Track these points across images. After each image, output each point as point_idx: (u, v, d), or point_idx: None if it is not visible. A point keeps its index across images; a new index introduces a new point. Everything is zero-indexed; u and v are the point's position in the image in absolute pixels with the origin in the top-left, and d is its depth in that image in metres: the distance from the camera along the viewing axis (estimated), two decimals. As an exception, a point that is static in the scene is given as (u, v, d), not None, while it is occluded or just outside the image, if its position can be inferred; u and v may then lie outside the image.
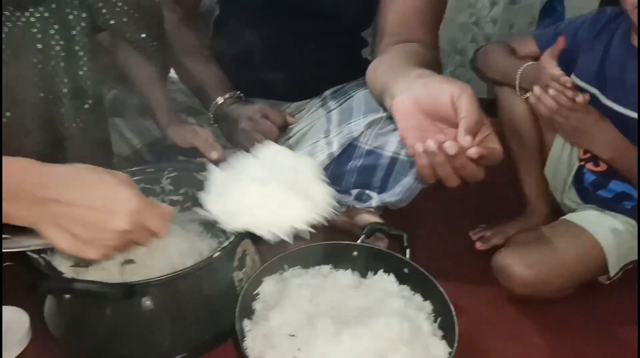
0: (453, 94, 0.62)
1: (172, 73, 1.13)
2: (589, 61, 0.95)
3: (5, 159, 0.50)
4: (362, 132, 0.93)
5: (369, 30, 1.10)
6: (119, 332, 0.67)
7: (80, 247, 0.51)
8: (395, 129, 0.92)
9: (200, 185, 0.84)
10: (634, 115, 0.86)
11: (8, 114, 0.75)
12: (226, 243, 0.70)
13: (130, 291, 0.60)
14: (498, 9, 1.58)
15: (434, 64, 0.88)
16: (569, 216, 0.96)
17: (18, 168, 0.50)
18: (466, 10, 1.60)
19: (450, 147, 0.59)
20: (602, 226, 0.90)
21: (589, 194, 0.99)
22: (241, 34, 1.06)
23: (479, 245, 1.05)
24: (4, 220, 0.49)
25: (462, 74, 1.71)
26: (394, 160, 0.91)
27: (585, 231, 0.89)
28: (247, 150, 0.98)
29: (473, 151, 0.59)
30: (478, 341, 0.78)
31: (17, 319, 0.77)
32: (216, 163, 0.92)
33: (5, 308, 0.78)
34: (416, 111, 0.65)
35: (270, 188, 0.64)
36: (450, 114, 0.62)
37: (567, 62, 0.93)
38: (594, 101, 0.90)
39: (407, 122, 0.66)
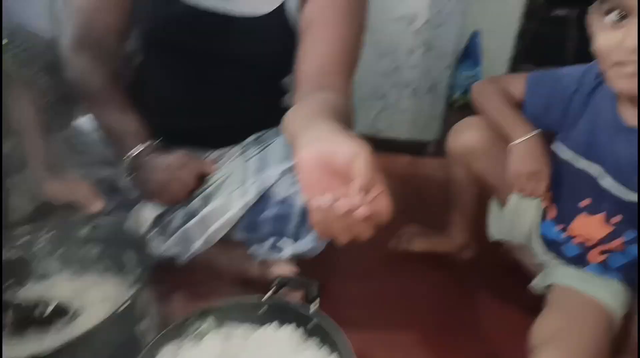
0: (350, 153, 0.64)
1: (85, 121, 1.11)
2: (578, 129, 0.89)
3: None
4: (277, 181, 0.95)
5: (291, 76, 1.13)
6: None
7: None
8: None
9: (79, 243, 0.83)
10: (632, 198, 0.82)
11: None
12: (129, 295, 0.69)
13: None
14: (416, 56, 1.66)
15: (347, 111, 0.91)
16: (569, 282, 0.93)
17: None
18: (386, 58, 1.69)
19: (340, 205, 0.61)
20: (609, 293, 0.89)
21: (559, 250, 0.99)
22: (162, 80, 1.06)
23: (390, 244, 1.14)
24: None
25: (383, 118, 1.79)
26: (306, 209, 0.93)
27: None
28: (163, 202, 0.98)
29: (361, 211, 0.61)
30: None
31: None
32: (97, 215, 0.90)
33: None
34: (317, 166, 0.66)
35: None
36: (346, 172, 0.64)
37: (555, 120, 0.91)
38: (589, 179, 0.87)
39: (308, 177, 0.67)
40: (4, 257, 0.80)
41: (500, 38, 2.24)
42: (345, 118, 0.82)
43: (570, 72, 0.90)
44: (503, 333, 0.97)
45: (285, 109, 1.14)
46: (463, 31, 1.99)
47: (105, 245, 0.83)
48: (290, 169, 0.95)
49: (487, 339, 0.95)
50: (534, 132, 0.90)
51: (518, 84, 0.96)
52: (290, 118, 0.88)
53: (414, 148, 1.80)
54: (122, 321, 0.68)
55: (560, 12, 2.52)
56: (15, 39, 0.85)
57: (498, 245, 1.15)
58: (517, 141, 0.90)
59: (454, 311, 1.03)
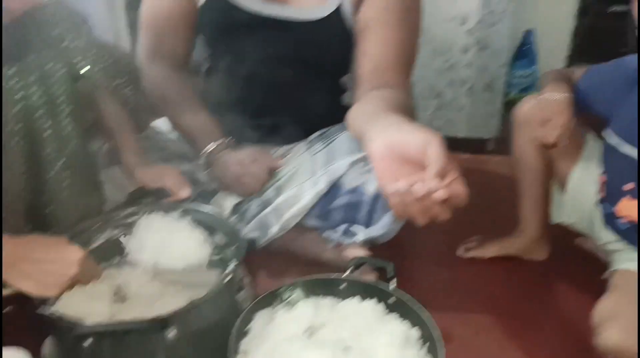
0: (423, 142, 0.68)
1: (162, 122, 1.19)
2: (624, 115, 0.92)
3: None
4: (345, 172, 0.98)
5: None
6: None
7: (43, 290, 0.71)
8: None
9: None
10: None
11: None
12: (231, 268, 0.77)
13: (165, 323, 0.65)
14: (470, 54, 1.67)
15: (408, 106, 0.95)
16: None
17: None
18: (441, 57, 1.70)
19: (418, 189, 0.65)
20: None
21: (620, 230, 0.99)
22: (230, 84, 1.12)
23: (459, 251, 1.13)
24: None
25: (439, 117, 1.79)
26: (377, 196, 0.96)
27: None
28: (238, 194, 1.04)
29: (439, 194, 0.64)
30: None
31: (19, 359, 0.78)
32: (185, 200, 0.97)
33: (6, 350, 0.80)
34: (390, 155, 0.71)
35: None
36: (420, 160, 0.68)
37: (604, 106, 0.96)
38: (633, 164, 0.89)
39: (382, 166, 0.72)
40: (108, 236, 0.89)
41: (555, 36, 2.21)
42: (407, 112, 0.85)
43: (624, 61, 0.94)
44: (578, 318, 0.94)
45: (345, 107, 1.20)
46: (516, 31, 1.98)
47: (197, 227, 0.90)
48: (358, 161, 0.99)
49: (564, 323, 0.93)
50: (565, 94, 0.95)
51: (579, 73, 1.02)
52: (354, 115, 0.93)
53: (473, 146, 1.79)
54: (225, 291, 0.76)
55: (617, 8, 2.45)
56: (103, 55, 0.94)
57: (572, 235, 1.13)
58: (545, 94, 0.96)
59: (530, 299, 1.01)
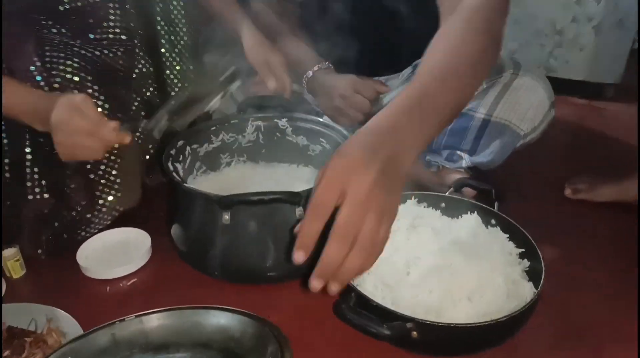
0: None
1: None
2: None
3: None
4: None
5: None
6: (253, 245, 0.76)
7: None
8: (487, 92, 0.94)
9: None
10: None
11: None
12: None
13: (297, 198, 0.71)
14: (603, -14, 1.51)
15: None
16: None
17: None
18: (568, -12, 1.56)
19: None
20: None
21: None
22: (331, 11, 1.11)
23: (567, 192, 1.07)
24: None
25: (560, 55, 1.66)
26: (485, 122, 0.93)
27: None
28: (344, 125, 1.05)
29: None
30: (562, 296, 0.78)
31: (140, 239, 0.89)
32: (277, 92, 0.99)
33: (131, 230, 0.92)
34: None
35: None
36: None
37: None
38: None
39: None
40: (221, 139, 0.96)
41: None
42: None
43: None
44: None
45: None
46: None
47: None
48: None
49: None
50: None
51: None
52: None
53: (590, 91, 1.66)
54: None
55: None
56: None
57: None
58: None
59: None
